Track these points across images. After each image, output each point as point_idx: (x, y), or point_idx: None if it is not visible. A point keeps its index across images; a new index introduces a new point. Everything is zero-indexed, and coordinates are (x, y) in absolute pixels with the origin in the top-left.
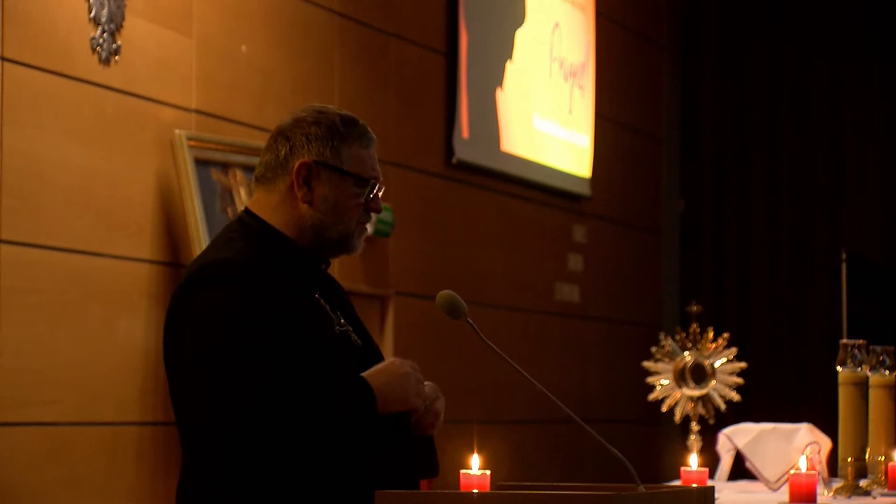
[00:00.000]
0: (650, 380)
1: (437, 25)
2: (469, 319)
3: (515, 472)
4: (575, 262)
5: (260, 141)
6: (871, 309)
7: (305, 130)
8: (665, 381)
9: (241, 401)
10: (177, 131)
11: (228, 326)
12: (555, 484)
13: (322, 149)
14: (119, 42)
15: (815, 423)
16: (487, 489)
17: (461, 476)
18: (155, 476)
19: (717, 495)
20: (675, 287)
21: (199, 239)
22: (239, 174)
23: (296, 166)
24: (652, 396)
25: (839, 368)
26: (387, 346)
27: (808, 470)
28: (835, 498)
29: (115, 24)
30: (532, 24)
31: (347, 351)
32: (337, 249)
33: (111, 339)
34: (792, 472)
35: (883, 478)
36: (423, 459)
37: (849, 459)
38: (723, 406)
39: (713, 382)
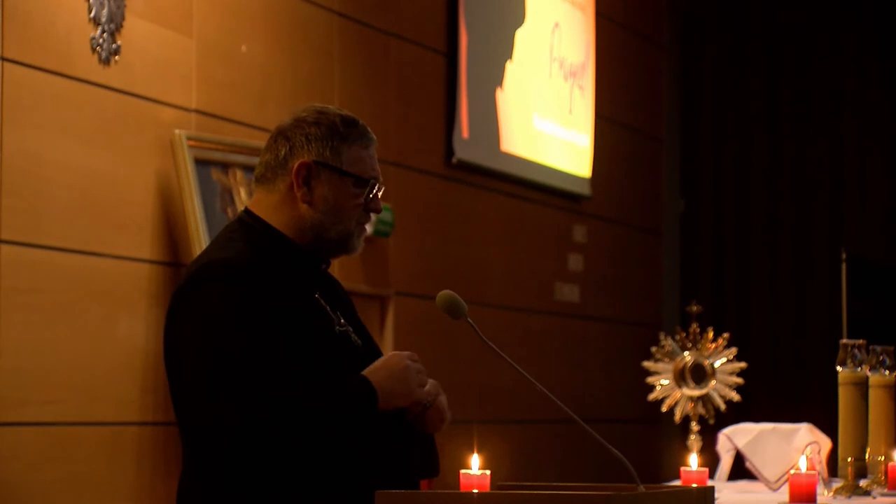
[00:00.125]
0: (650, 380)
1: (437, 25)
2: (469, 319)
3: (515, 472)
4: (575, 262)
5: (260, 141)
6: (871, 309)
7: (305, 130)
8: (665, 381)
9: (242, 401)
10: (177, 131)
11: (228, 326)
12: (555, 484)
13: (322, 149)
14: (119, 42)
15: (815, 423)
16: (487, 489)
17: (461, 476)
18: (155, 476)
19: (717, 495)
20: (675, 287)
21: (199, 239)
22: (239, 174)
23: (296, 166)
24: (652, 396)
25: (839, 368)
26: (387, 346)
27: (808, 470)
28: (835, 498)
29: (115, 24)
30: (532, 24)
31: (347, 351)
32: (336, 250)
33: (111, 339)
34: (792, 472)
35: (883, 478)
36: (424, 459)
37: (849, 459)
38: (723, 406)
39: (713, 382)
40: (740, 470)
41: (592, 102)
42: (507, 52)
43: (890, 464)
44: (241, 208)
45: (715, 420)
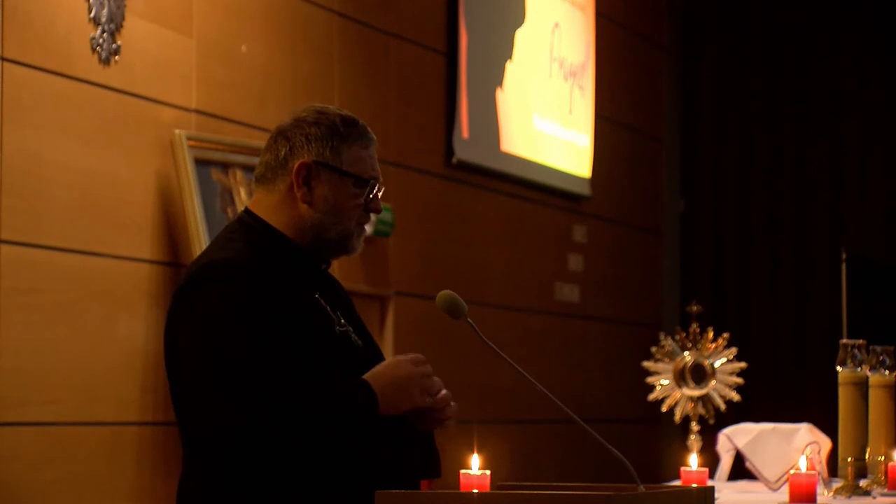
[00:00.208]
0: (650, 380)
1: (437, 25)
2: (469, 319)
3: (515, 472)
4: (575, 262)
5: (260, 141)
6: (871, 309)
7: (305, 131)
8: (665, 381)
9: (241, 401)
10: (177, 131)
11: (228, 326)
12: (555, 484)
13: (322, 149)
14: (119, 42)
15: (815, 423)
16: (487, 489)
17: (461, 476)
18: (155, 476)
19: (717, 495)
20: (675, 287)
21: (199, 239)
22: (239, 174)
23: (296, 166)
24: (652, 396)
25: (839, 368)
26: (387, 346)
27: (808, 470)
28: (835, 498)
29: (115, 24)
30: (532, 24)
31: (348, 351)
32: (336, 250)
33: (111, 339)
34: (792, 472)
35: (883, 478)
36: (425, 459)
37: (849, 459)
38: (723, 406)
39: (713, 382)
40: (740, 470)
41: (592, 102)
42: (507, 52)
43: (890, 464)
44: (241, 208)
45: (715, 420)
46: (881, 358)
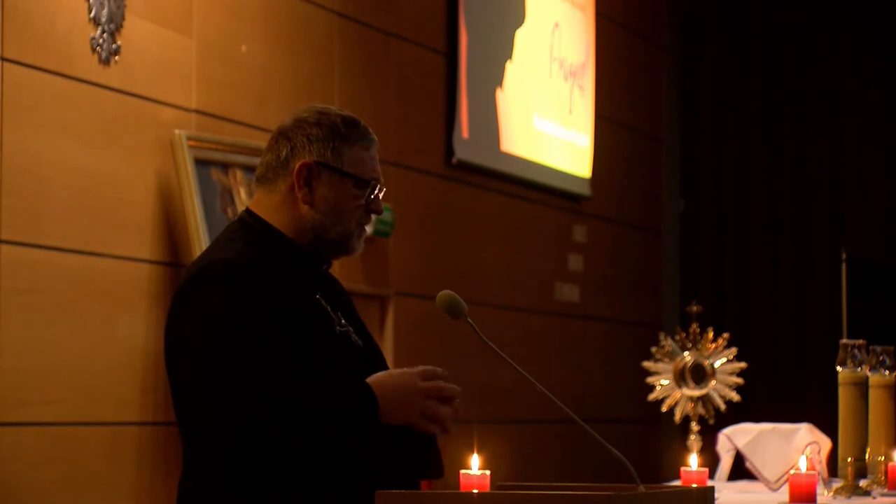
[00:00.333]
0: (650, 380)
1: (437, 25)
2: (469, 319)
3: (515, 472)
4: (575, 262)
5: (260, 141)
6: (871, 309)
7: (307, 131)
8: (665, 381)
9: (241, 401)
10: (177, 131)
11: (229, 326)
12: (555, 484)
13: (323, 150)
14: (119, 42)
15: (815, 423)
16: (487, 489)
17: (461, 476)
18: (155, 476)
19: (717, 495)
20: (675, 287)
21: (199, 239)
22: (239, 174)
23: (297, 167)
24: (652, 396)
25: (839, 368)
26: (387, 346)
27: (808, 470)
28: (835, 498)
29: (115, 24)
30: (532, 24)
31: (348, 351)
32: (336, 250)
33: (111, 339)
34: (792, 472)
35: (883, 478)
36: (426, 460)
37: (849, 459)
38: (723, 406)
39: (713, 382)
40: (740, 470)
41: (592, 102)
42: (507, 52)
43: (890, 464)
44: (241, 208)
45: (715, 420)
46: (881, 358)
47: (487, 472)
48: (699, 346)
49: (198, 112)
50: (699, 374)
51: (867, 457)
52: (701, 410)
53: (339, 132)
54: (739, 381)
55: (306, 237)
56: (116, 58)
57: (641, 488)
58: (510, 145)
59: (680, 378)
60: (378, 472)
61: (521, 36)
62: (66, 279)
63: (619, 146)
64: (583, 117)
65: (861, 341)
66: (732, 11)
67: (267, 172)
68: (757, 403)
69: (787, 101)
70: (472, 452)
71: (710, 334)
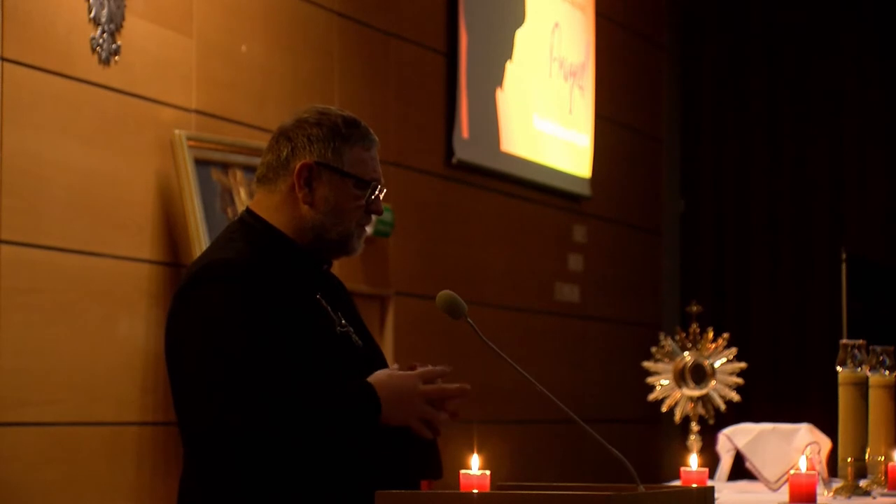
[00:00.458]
0: (650, 380)
1: (437, 25)
2: (469, 319)
3: (515, 472)
4: (575, 262)
5: (260, 141)
6: (871, 309)
7: (307, 131)
8: (665, 381)
9: (242, 401)
10: (177, 131)
11: (229, 326)
12: (555, 484)
13: (323, 150)
14: (119, 42)
15: (815, 423)
16: (487, 489)
17: (461, 476)
18: (155, 476)
19: (717, 495)
20: (675, 287)
21: (199, 239)
22: (239, 174)
23: (297, 167)
24: (652, 396)
25: (839, 368)
26: (387, 346)
27: (807, 470)
28: (835, 498)
29: (115, 24)
30: (532, 24)
31: (348, 351)
32: (337, 250)
33: (111, 339)
34: (792, 472)
35: (883, 478)
36: (426, 460)
37: (849, 459)
38: (723, 406)
39: (713, 382)
40: (740, 470)
41: (592, 102)
42: (507, 52)
43: (890, 464)
44: (241, 208)
45: (715, 420)
46: (881, 358)
47: (487, 472)
48: (699, 346)
49: (198, 112)
50: (699, 374)
51: (867, 457)
52: (701, 410)
53: (340, 132)
54: (739, 381)
55: (306, 237)
56: (116, 58)
57: (641, 488)
58: (510, 145)
59: (680, 378)
60: (378, 473)
61: (521, 36)
62: (66, 279)
63: (619, 146)
64: (583, 117)
65: (861, 341)
66: (732, 11)
67: (267, 172)
68: (757, 403)
69: (787, 101)
70: (472, 452)
71: (710, 334)
